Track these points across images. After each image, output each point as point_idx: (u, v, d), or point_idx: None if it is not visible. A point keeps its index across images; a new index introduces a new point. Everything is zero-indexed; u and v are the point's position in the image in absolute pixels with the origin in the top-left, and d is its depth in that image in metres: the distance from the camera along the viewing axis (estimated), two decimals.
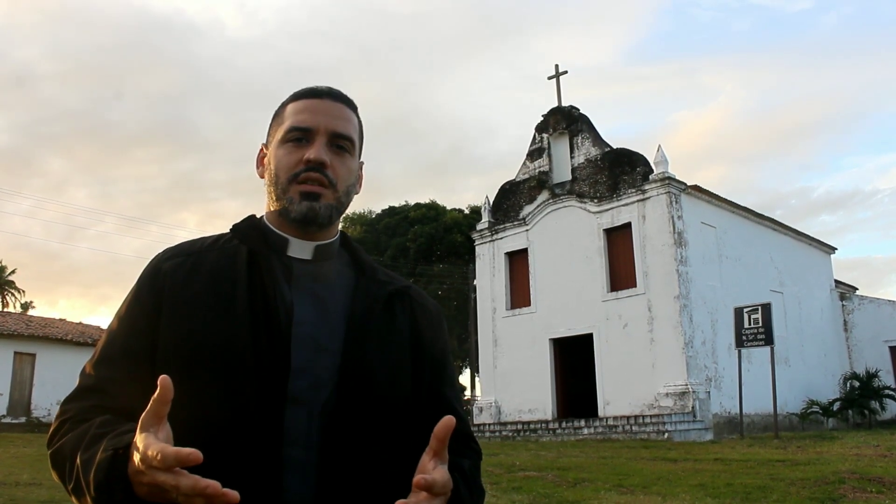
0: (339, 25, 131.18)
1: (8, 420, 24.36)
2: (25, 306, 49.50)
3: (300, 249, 1.24)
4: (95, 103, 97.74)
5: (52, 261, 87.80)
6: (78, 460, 1.02)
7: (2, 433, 21.73)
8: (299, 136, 1.22)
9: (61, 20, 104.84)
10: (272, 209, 1.26)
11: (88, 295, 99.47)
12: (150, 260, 1.25)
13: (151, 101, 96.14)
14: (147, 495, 0.94)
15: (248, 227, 1.25)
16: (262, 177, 1.30)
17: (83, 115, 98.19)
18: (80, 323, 31.07)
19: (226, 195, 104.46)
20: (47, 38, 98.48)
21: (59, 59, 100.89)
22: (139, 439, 0.92)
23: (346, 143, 1.25)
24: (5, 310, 42.31)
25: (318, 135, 1.22)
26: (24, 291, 50.66)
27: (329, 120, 1.24)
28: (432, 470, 1.00)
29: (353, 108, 1.30)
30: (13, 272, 50.25)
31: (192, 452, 0.88)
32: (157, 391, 0.92)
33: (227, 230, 1.27)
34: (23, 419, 24.77)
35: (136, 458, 0.92)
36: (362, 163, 1.34)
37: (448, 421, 1.01)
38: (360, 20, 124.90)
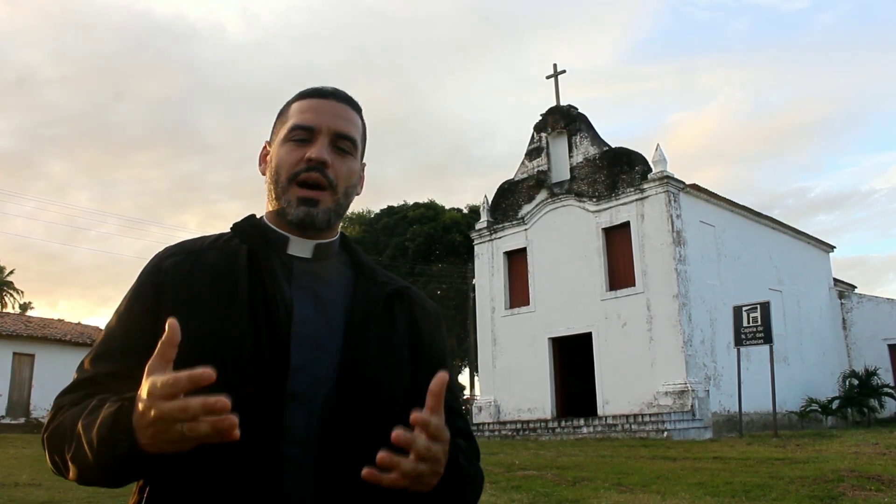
0: (339, 29, 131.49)
1: (7, 421, 24.34)
2: (24, 307, 49.48)
3: (300, 248, 1.24)
4: (97, 106, 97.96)
5: (54, 262, 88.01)
6: (79, 426, 1.01)
7: (1, 434, 21.72)
8: (302, 136, 1.23)
9: (64, 24, 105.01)
10: (272, 208, 1.26)
11: (89, 296, 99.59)
12: (150, 258, 1.25)
13: (153, 105, 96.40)
14: (151, 440, 0.92)
15: (248, 226, 1.25)
16: (263, 174, 1.30)
17: (85, 118, 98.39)
18: (79, 323, 31.04)
19: (226, 197, 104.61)
20: (50, 42, 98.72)
21: (61, 63, 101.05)
22: (146, 382, 0.91)
23: (348, 144, 1.25)
24: (4, 310, 42.27)
25: (321, 134, 1.22)
26: (22, 292, 50.70)
27: (332, 120, 1.24)
28: (405, 433, 0.99)
29: (358, 109, 1.31)
30: (11, 273, 50.25)
31: (205, 371, 0.87)
32: (166, 333, 0.92)
33: (228, 230, 1.28)
34: (22, 420, 24.75)
35: (143, 392, 0.91)
36: (364, 164, 1.34)
37: (442, 377, 1.01)
38: (360, 24, 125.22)
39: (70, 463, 1.03)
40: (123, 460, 0.96)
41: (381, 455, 0.96)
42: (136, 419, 0.93)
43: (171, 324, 0.93)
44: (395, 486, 1.00)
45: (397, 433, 0.97)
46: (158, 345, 0.93)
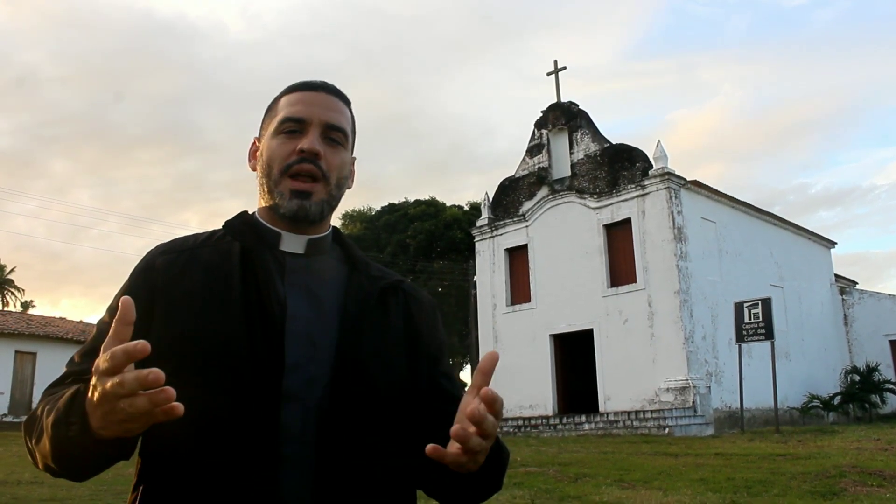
0: (340, 28, 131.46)
1: (9, 419, 24.39)
2: (25, 305, 49.54)
3: (293, 244, 1.23)
4: (98, 106, 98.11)
5: (55, 261, 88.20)
6: (44, 411, 1.03)
7: (3, 432, 21.75)
8: (293, 128, 1.22)
9: (65, 24, 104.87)
10: (264, 203, 1.26)
11: (91, 294, 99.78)
12: (143, 255, 1.25)
13: (154, 104, 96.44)
14: (102, 422, 0.92)
15: (241, 224, 1.25)
16: (254, 170, 1.29)
17: (86, 117, 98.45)
18: (81, 321, 31.09)
19: (228, 195, 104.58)
20: (51, 42, 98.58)
21: (62, 63, 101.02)
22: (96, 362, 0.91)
23: (339, 136, 1.25)
24: (6, 309, 42.33)
25: (312, 126, 1.22)
26: (23, 290, 50.73)
27: (323, 112, 1.24)
28: (479, 406, 0.96)
29: (347, 102, 1.31)
30: (12, 271, 50.30)
31: (140, 342, 0.87)
32: (119, 310, 0.92)
33: (221, 227, 1.27)
34: (24, 418, 24.66)
35: (94, 376, 0.91)
36: (354, 158, 1.34)
37: (493, 354, 1.00)
38: (361, 22, 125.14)
39: (35, 449, 1.04)
40: (76, 443, 0.96)
41: (455, 429, 0.96)
42: (88, 401, 0.93)
43: (124, 301, 0.92)
44: (456, 462, 1.00)
45: (472, 409, 0.95)
46: (113, 323, 0.92)
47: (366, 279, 1.26)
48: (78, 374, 1.12)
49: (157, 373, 0.86)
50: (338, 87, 1.30)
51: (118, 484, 8.51)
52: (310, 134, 1.22)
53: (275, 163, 1.22)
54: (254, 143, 1.32)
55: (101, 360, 0.89)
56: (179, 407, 0.89)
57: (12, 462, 12.43)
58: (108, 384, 0.88)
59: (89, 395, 0.92)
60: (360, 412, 1.12)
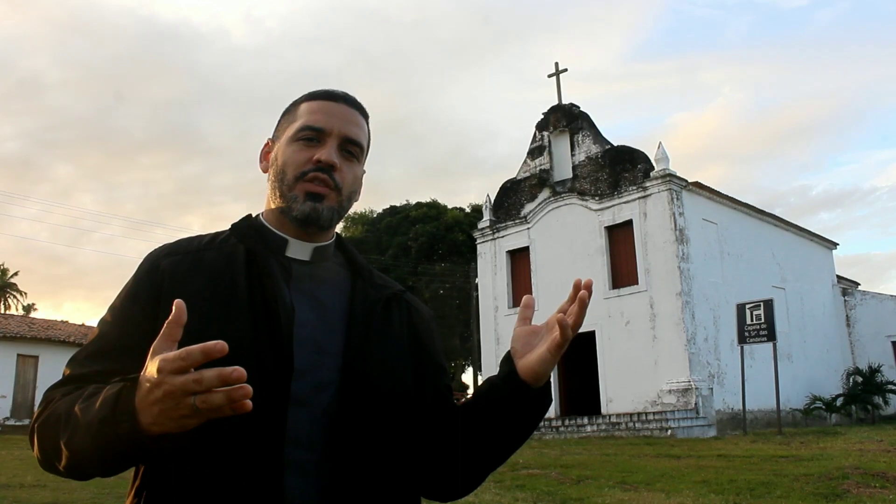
0: (342, 32, 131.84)
1: (11, 422, 24.40)
2: (28, 308, 49.61)
3: (299, 250, 1.23)
4: (102, 110, 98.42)
5: (59, 264, 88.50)
6: (77, 409, 1.00)
7: (5, 435, 21.77)
8: (311, 136, 1.22)
9: (69, 29, 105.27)
10: (273, 206, 1.25)
11: (93, 298, 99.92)
12: (145, 256, 1.24)
13: (157, 108, 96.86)
14: (155, 419, 0.91)
15: (247, 227, 1.25)
16: (265, 171, 1.29)
17: (90, 121, 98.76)
18: (83, 325, 31.07)
19: (230, 199, 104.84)
20: (56, 47, 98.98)
21: (66, 67, 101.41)
22: (152, 362, 0.90)
23: (355, 150, 1.25)
24: (8, 312, 42.36)
25: (331, 137, 1.22)
26: (26, 294, 50.81)
27: (343, 124, 1.24)
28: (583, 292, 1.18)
29: (366, 116, 1.31)
30: (15, 275, 50.36)
31: (218, 342, 0.86)
32: (172, 313, 0.91)
33: (226, 229, 1.27)
34: (26, 421, 24.80)
35: (151, 369, 0.89)
36: (364, 171, 1.33)
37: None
38: (363, 27, 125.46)
39: (64, 448, 1.01)
40: (124, 440, 0.94)
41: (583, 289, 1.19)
42: (141, 398, 0.92)
43: (178, 304, 0.92)
44: (555, 343, 1.28)
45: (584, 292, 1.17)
46: (164, 325, 0.92)
47: (370, 287, 1.26)
48: (83, 377, 1.10)
49: (240, 370, 0.86)
50: (358, 99, 1.30)
51: (120, 487, 8.50)
52: (328, 145, 1.22)
53: (290, 168, 1.22)
54: (267, 143, 1.31)
55: (171, 357, 0.87)
56: (250, 403, 0.88)
57: (14, 465, 12.42)
58: (179, 381, 0.87)
59: (144, 392, 0.91)
60: (368, 417, 1.13)
